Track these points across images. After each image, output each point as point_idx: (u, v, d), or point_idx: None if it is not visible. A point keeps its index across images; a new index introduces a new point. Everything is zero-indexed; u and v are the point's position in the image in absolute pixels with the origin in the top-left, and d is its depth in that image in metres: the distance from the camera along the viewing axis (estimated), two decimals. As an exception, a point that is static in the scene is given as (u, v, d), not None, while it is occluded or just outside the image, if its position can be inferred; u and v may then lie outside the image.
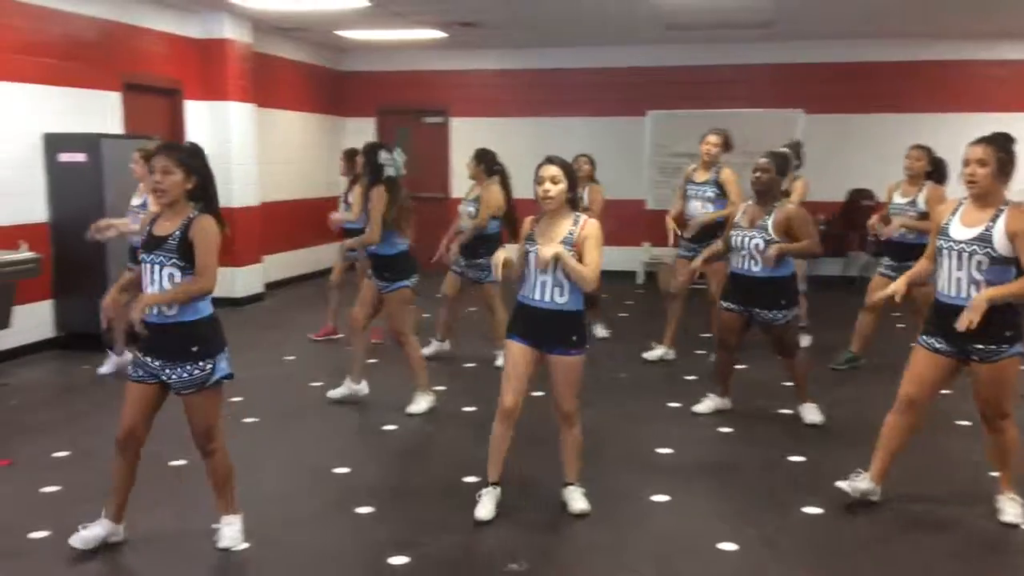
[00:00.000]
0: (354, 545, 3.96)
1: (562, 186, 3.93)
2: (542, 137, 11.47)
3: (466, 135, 11.84)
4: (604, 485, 4.51)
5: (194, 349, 3.55)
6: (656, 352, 7.20)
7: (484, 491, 4.17)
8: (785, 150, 7.49)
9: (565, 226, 3.95)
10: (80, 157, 7.33)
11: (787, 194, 6.90)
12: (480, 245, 6.77)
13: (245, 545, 3.83)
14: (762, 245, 5.21)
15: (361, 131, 12.04)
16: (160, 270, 3.54)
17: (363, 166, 5.83)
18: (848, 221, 10.96)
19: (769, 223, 5.23)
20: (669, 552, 3.88)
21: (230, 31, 9.47)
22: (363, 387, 6.02)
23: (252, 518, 4.00)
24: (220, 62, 9.47)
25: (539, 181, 3.95)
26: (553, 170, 3.94)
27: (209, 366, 3.59)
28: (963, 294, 3.88)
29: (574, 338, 4.00)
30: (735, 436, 5.42)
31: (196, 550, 3.81)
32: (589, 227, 3.93)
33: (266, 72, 10.44)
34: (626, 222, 11.13)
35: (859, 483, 4.24)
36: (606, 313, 8.66)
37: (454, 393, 6.14)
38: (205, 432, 3.67)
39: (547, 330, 3.99)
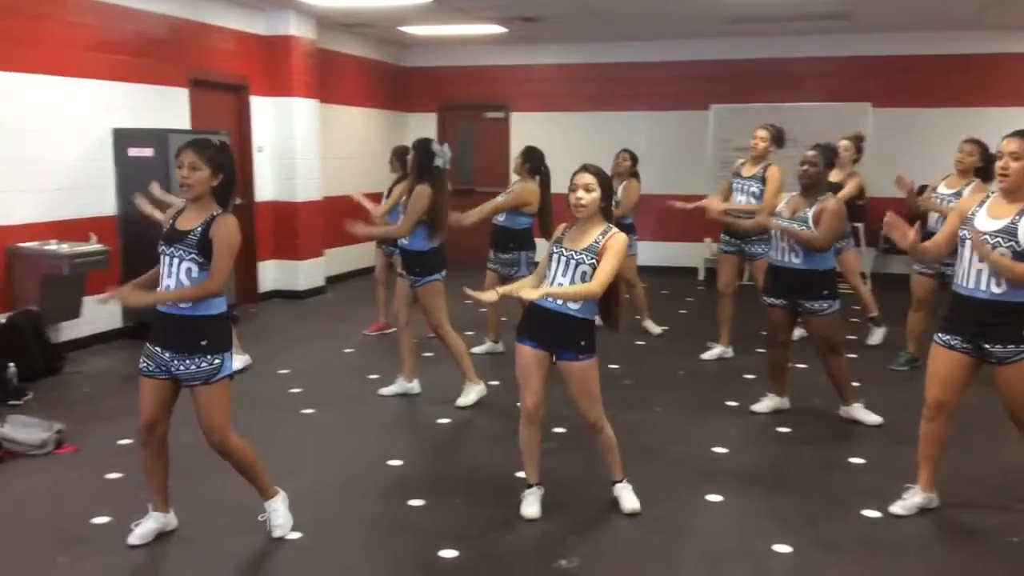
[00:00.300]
0: (406, 537, 3.98)
1: (595, 194, 3.92)
2: (603, 131, 11.44)
3: (526, 130, 11.82)
4: (658, 484, 4.48)
5: (203, 343, 3.60)
6: (713, 352, 7.13)
7: (527, 491, 4.18)
8: (844, 142, 7.35)
9: (594, 234, 3.93)
10: (148, 152, 7.52)
11: (839, 187, 6.81)
12: (509, 240, 6.78)
13: (298, 535, 3.89)
14: None
15: (422, 126, 12.12)
16: (179, 264, 3.59)
17: (412, 162, 5.80)
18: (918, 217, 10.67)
19: (809, 215, 5.16)
20: (722, 552, 3.83)
21: (295, 28, 9.61)
22: (415, 385, 6.07)
23: (307, 508, 4.08)
24: (285, 58, 9.62)
25: (573, 188, 3.94)
26: (587, 178, 3.93)
27: (217, 361, 3.63)
28: (983, 287, 3.77)
29: (582, 343, 3.96)
30: (793, 436, 5.33)
31: (250, 539, 3.88)
32: (614, 240, 3.91)
33: (329, 68, 10.57)
34: (687, 217, 11.01)
35: (912, 500, 4.15)
36: (666, 309, 8.60)
37: (507, 387, 6.13)
38: (214, 428, 3.68)
39: (555, 333, 3.97)
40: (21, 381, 5.96)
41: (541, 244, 5.59)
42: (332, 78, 10.68)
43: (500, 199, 6.88)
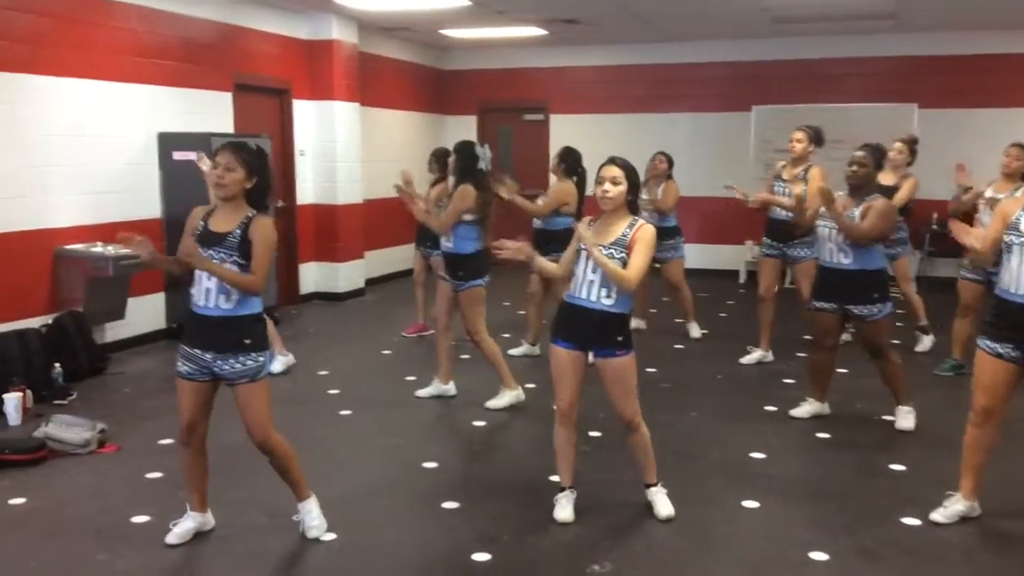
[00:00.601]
0: (439, 540, 3.99)
1: (622, 187, 3.91)
2: (643, 133, 11.37)
3: (566, 132, 11.80)
4: (693, 489, 4.45)
5: (247, 342, 3.64)
6: (753, 356, 7.05)
7: (560, 495, 4.16)
8: (897, 144, 7.21)
9: (620, 227, 3.93)
10: (192, 156, 7.60)
11: (893, 190, 6.68)
12: (549, 241, 6.76)
13: (332, 536, 3.92)
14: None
15: (462, 129, 12.15)
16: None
17: (454, 164, 5.81)
18: (965, 220, 10.44)
19: (856, 214, 5.07)
20: (757, 560, 3.78)
21: (337, 32, 9.69)
22: (450, 388, 6.09)
23: (342, 509, 4.11)
24: (327, 62, 9.71)
25: (599, 181, 3.94)
26: (614, 171, 3.92)
27: (261, 359, 3.68)
28: None
29: (619, 338, 3.94)
30: (833, 442, 5.25)
31: (285, 539, 3.91)
32: (643, 231, 3.90)
33: (371, 71, 10.64)
34: (729, 219, 10.96)
35: (954, 508, 4.07)
36: (706, 311, 8.52)
37: (543, 390, 6.12)
38: (259, 426, 3.71)
39: (590, 331, 3.95)
40: (66, 381, 6.08)
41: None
42: (373, 81, 10.76)
43: (539, 203, 6.89)
